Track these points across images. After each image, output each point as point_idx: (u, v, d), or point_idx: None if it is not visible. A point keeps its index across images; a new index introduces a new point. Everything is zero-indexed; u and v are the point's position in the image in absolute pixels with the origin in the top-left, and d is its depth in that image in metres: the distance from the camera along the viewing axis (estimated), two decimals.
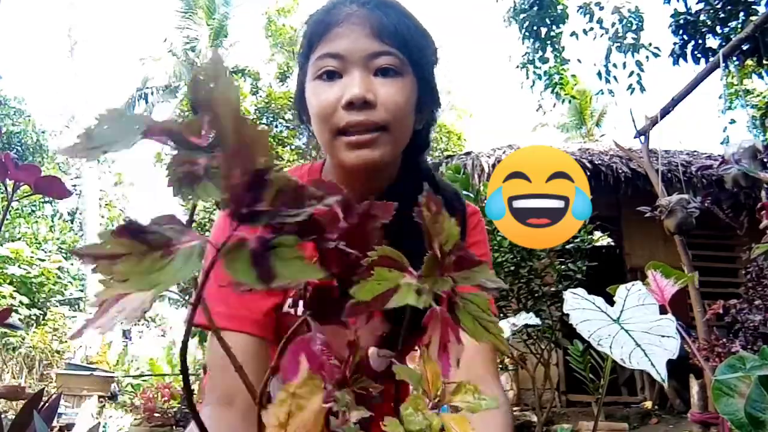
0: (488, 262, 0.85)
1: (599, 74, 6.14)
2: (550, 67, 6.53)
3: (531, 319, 1.33)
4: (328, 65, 0.73)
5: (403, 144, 0.76)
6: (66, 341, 7.96)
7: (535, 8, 6.20)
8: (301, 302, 0.72)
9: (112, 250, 0.28)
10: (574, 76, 6.75)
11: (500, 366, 4.12)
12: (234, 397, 0.69)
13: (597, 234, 3.67)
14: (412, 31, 0.75)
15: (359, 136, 0.71)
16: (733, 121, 6.06)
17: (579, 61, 6.63)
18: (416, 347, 0.88)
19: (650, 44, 5.91)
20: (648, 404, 5.28)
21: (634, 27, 5.97)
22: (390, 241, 0.61)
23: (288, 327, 0.57)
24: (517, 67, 6.78)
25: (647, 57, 5.91)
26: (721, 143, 6.65)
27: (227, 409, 0.68)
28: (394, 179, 0.81)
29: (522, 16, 6.32)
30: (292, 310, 0.77)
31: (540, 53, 6.47)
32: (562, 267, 3.53)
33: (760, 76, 5.78)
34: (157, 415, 4.94)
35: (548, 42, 6.38)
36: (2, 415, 3.83)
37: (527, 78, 6.67)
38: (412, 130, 0.78)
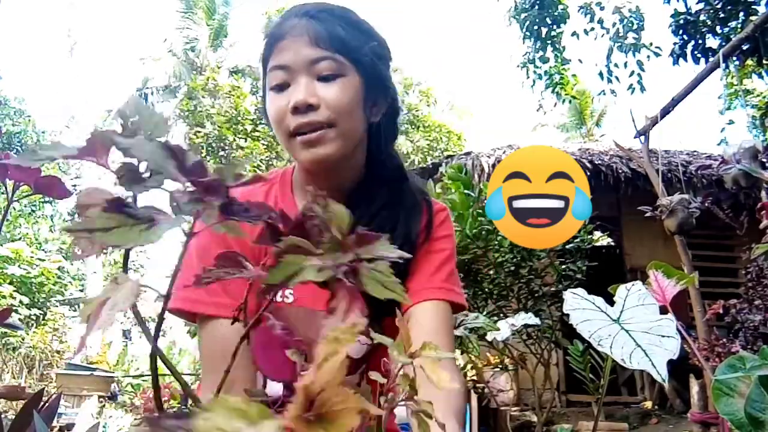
0: (452, 256, 0.84)
1: (601, 74, 6.14)
2: (550, 67, 6.53)
3: (530, 319, 1.33)
4: (277, 77, 0.80)
5: (354, 137, 0.82)
6: (66, 341, 7.96)
7: (536, 8, 6.20)
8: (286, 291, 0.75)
9: (104, 224, 0.30)
10: (574, 75, 6.75)
11: (500, 366, 4.12)
12: (233, 385, 0.70)
13: (597, 234, 3.67)
14: (348, 33, 0.81)
15: (307, 136, 0.78)
16: (731, 122, 6.05)
17: (580, 61, 6.63)
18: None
19: (651, 44, 5.92)
20: (648, 404, 5.28)
21: (635, 27, 5.97)
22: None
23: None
24: (518, 66, 6.78)
25: (648, 57, 5.92)
26: (718, 144, 6.66)
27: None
28: (362, 173, 0.87)
29: (523, 15, 6.32)
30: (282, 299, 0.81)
31: (540, 53, 6.47)
32: (562, 267, 3.53)
33: (760, 76, 5.78)
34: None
35: (549, 42, 6.38)
36: (2, 415, 3.83)
37: (527, 78, 6.68)
38: (364, 124, 0.83)
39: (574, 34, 6.36)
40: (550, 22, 6.29)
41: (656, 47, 5.89)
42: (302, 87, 0.77)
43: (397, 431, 0.95)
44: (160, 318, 0.36)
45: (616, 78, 6.11)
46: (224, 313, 0.74)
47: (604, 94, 6.50)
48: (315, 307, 0.81)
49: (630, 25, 5.98)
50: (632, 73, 5.93)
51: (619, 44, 5.97)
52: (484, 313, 3.28)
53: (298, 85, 0.78)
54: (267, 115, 0.84)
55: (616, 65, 6.07)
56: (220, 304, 0.75)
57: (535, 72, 6.60)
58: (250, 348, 0.77)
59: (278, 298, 0.81)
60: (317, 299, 0.80)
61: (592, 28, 6.21)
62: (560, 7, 6.25)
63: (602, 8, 6.18)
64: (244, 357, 0.71)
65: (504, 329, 1.27)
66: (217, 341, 0.74)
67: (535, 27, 6.32)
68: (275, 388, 0.82)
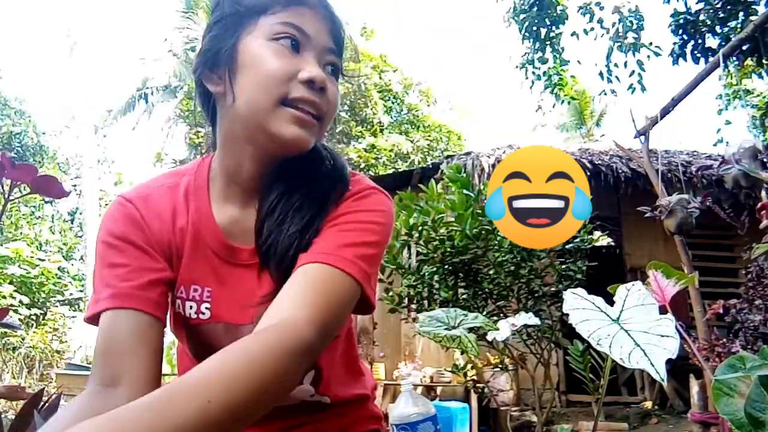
0: (357, 230, 0.72)
1: (600, 74, 6.14)
2: (549, 68, 6.53)
3: (531, 319, 1.32)
4: (294, 34, 0.71)
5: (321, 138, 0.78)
6: (66, 341, 7.96)
7: (535, 9, 6.20)
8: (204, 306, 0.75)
9: None
10: (573, 76, 6.75)
11: (500, 366, 4.12)
12: (120, 378, 0.65)
13: (597, 234, 3.66)
14: (343, 42, 0.79)
15: (306, 115, 0.71)
16: (728, 122, 6.06)
17: (579, 62, 6.63)
18: None
19: (650, 43, 5.91)
20: (648, 404, 5.28)
21: (634, 26, 5.97)
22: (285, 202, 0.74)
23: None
24: (517, 67, 6.79)
25: (648, 56, 5.91)
26: (715, 144, 6.65)
27: (111, 390, 0.64)
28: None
29: (522, 16, 6.32)
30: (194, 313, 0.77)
31: (540, 54, 6.47)
32: (562, 267, 3.53)
33: (760, 76, 5.78)
34: None
35: (548, 42, 6.38)
36: (2, 415, 3.83)
37: (526, 78, 6.68)
38: None
39: (573, 34, 6.36)
40: (549, 22, 6.29)
41: (656, 47, 5.89)
42: (320, 67, 0.72)
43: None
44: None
45: (616, 78, 6.11)
46: (128, 304, 0.69)
47: (605, 94, 6.50)
48: (234, 321, 0.75)
49: (629, 24, 5.98)
50: (632, 72, 5.93)
51: (619, 44, 5.97)
52: (484, 313, 3.28)
53: (315, 63, 0.72)
54: (224, 59, 0.72)
55: (615, 65, 6.07)
56: (120, 294, 0.69)
57: (534, 73, 6.60)
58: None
59: (193, 315, 0.76)
60: (236, 313, 0.75)
61: (592, 28, 6.20)
62: (559, 7, 6.25)
63: (602, 8, 6.18)
64: (146, 352, 0.69)
65: (504, 329, 1.27)
66: (115, 332, 0.68)
67: (534, 28, 6.32)
68: None
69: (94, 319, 0.70)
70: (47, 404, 1.05)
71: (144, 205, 0.75)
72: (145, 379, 0.67)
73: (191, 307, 0.76)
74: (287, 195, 0.75)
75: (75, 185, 13.48)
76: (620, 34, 5.98)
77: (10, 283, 9.09)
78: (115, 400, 0.60)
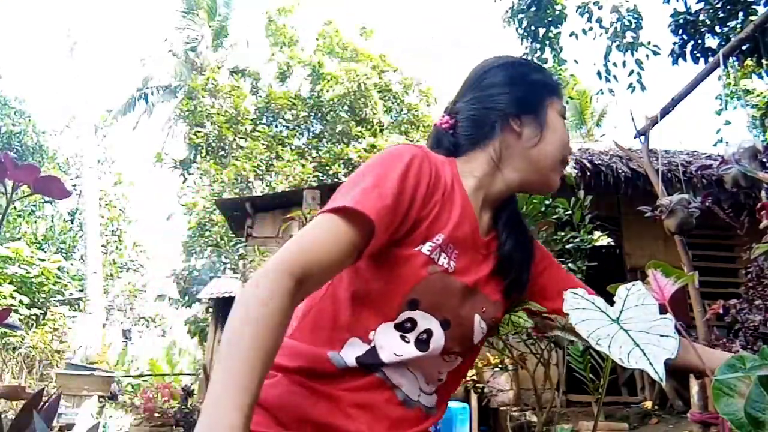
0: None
1: (599, 74, 6.15)
2: (548, 68, 6.54)
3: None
4: (563, 115, 1.00)
5: None
6: (66, 341, 7.96)
7: (533, 9, 6.21)
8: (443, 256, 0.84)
9: None
10: (573, 76, 6.76)
11: (500, 366, 4.12)
12: (307, 279, 0.70)
13: (597, 234, 3.66)
14: None
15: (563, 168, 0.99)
16: (727, 122, 6.06)
17: (576, 62, 6.64)
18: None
19: (649, 42, 5.92)
20: (648, 404, 5.28)
21: (633, 26, 5.97)
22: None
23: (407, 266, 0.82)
24: None
25: (647, 56, 5.92)
26: (714, 145, 6.66)
27: (297, 289, 0.69)
28: None
29: (520, 16, 6.32)
30: (428, 252, 0.83)
31: (538, 53, 6.47)
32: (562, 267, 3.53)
33: (760, 76, 5.78)
34: (157, 415, 4.95)
35: (546, 42, 6.39)
36: (2, 415, 3.83)
37: None
38: None
39: (572, 34, 6.37)
40: (547, 22, 6.29)
41: (654, 46, 5.90)
42: None
43: None
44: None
45: (614, 77, 6.12)
46: (370, 213, 0.74)
47: (602, 93, 6.51)
48: (466, 281, 0.87)
49: (628, 24, 5.98)
50: (631, 72, 5.93)
51: (617, 43, 5.97)
52: None
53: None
54: (534, 109, 0.96)
55: (614, 64, 6.08)
56: (372, 207, 0.75)
57: None
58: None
59: (444, 264, 0.85)
60: (471, 273, 0.89)
61: (591, 28, 6.21)
62: (557, 7, 6.26)
63: (600, 8, 6.19)
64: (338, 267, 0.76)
65: None
66: (329, 242, 0.74)
67: (533, 27, 6.33)
68: (406, 349, 0.83)
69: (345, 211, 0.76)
70: (47, 404, 1.05)
71: (429, 161, 0.87)
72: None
73: (429, 249, 0.84)
74: (515, 214, 1.00)
75: (75, 185, 13.48)
76: (618, 33, 5.98)
77: (10, 283, 9.10)
78: (293, 303, 0.70)
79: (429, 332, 0.85)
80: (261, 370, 0.62)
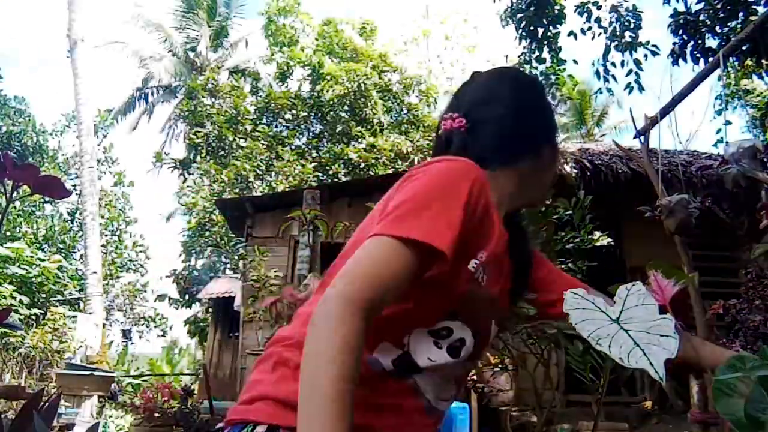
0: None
1: (597, 73, 6.15)
2: (546, 68, 6.53)
3: None
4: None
5: None
6: (66, 341, 7.96)
7: (532, 8, 6.20)
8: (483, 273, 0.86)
9: None
10: (571, 76, 6.76)
11: (500, 366, 4.12)
12: (375, 314, 0.71)
13: (597, 234, 3.66)
14: None
15: None
16: (728, 122, 6.06)
17: (575, 62, 6.64)
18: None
19: (648, 42, 5.91)
20: (648, 404, 5.28)
21: (631, 26, 5.97)
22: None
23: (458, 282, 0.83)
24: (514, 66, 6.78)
25: (645, 56, 5.92)
26: (714, 145, 6.66)
27: (368, 325, 0.70)
28: None
29: (519, 16, 6.32)
30: (472, 268, 0.85)
31: (537, 53, 6.47)
32: (562, 267, 3.53)
33: (760, 76, 5.78)
34: (157, 415, 4.94)
35: (545, 42, 6.38)
36: (2, 415, 3.83)
37: None
38: None
39: (571, 34, 6.36)
40: (546, 22, 6.29)
41: (653, 45, 5.89)
42: None
43: None
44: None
45: (613, 77, 6.11)
46: (437, 244, 0.75)
47: (601, 92, 6.51)
48: (494, 293, 0.90)
49: (627, 24, 5.98)
50: (630, 72, 5.93)
51: (616, 43, 5.97)
52: None
53: None
54: (540, 136, 1.02)
55: (613, 64, 6.08)
56: (438, 235, 0.76)
57: (531, 73, 6.60)
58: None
59: (482, 278, 0.86)
60: (496, 285, 0.91)
61: (590, 28, 6.21)
62: (556, 7, 6.25)
63: (599, 7, 6.18)
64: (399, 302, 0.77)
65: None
66: (398, 275, 0.74)
67: (531, 27, 6.32)
68: (438, 356, 0.84)
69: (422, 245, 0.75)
70: (47, 404, 1.05)
71: (485, 183, 0.88)
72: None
73: (480, 272, 0.86)
74: (522, 228, 1.08)
75: (75, 185, 13.48)
76: (617, 33, 5.98)
77: (10, 283, 9.10)
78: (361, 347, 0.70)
79: (462, 341, 0.86)
80: (350, 410, 0.64)
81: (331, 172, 11.56)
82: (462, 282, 0.83)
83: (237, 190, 11.08)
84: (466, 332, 0.86)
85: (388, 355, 0.82)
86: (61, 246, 14.98)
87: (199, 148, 12.52)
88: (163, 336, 15.74)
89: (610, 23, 6.08)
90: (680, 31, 5.21)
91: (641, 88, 5.88)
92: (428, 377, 0.85)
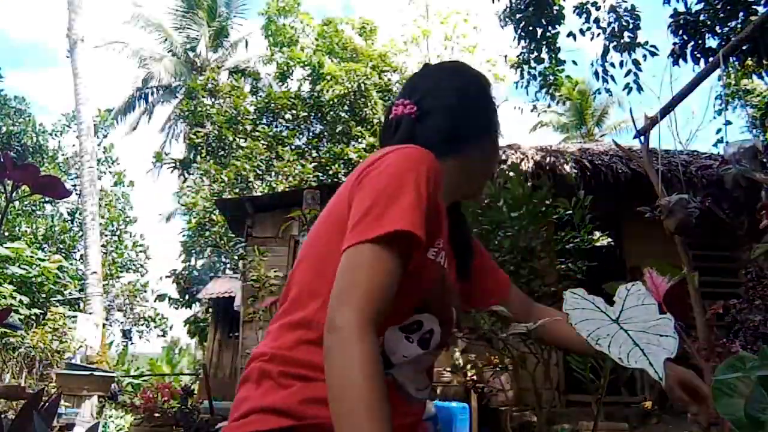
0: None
1: (596, 74, 6.14)
2: (545, 68, 6.53)
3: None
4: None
5: None
6: (66, 341, 7.96)
7: (531, 9, 6.20)
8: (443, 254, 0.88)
9: None
10: (569, 77, 6.76)
11: (500, 366, 4.12)
12: (381, 319, 0.73)
13: (597, 234, 3.67)
14: None
15: None
16: (728, 122, 6.05)
17: (574, 62, 6.64)
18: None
19: (646, 42, 5.91)
20: (648, 404, 5.28)
21: (630, 26, 5.97)
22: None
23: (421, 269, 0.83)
24: (512, 67, 6.79)
25: (645, 56, 5.91)
26: (714, 145, 6.66)
27: (377, 340, 0.71)
28: None
29: (518, 16, 6.31)
30: (439, 260, 0.87)
31: (535, 54, 6.47)
32: (562, 267, 3.54)
33: (760, 76, 5.78)
34: (157, 415, 4.94)
35: (544, 42, 6.38)
36: (2, 415, 3.83)
37: (522, 78, 6.68)
38: None
39: (570, 34, 6.36)
40: (545, 22, 6.29)
41: (652, 46, 5.89)
42: None
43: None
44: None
45: (612, 77, 6.11)
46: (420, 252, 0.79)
47: (600, 93, 6.50)
48: (452, 278, 0.94)
49: (626, 24, 5.98)
50: (629, 72, 5.92)
51: (615, 44, 5.97)
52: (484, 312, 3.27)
53: None
54: (479, 126, 1.03)
55: (612, 65, 6.07)
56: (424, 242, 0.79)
57: (530, 72, 6.60)
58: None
59: (445, 265, 0.89)
60: (451, 270, 0.94)
61: (588, 28, 6.20)
62: (555, 8, 6.25)
63: (598, 8, 6.18)
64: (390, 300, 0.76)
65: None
66: (392, 274, 0.75)
67: (530, 27, 6.32)
68: (411, 350, 0.86)
69: (402, 235, 0.76)
70: (47, 404, 1.05)
71: (438, 169, 0.88)
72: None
73: (441, 257, 0.88)
74: (462, 217, 1.10)
75: (75, 185, 13.48)
76: (616, 33, 5.98)
77: (10, 283, 9.10)
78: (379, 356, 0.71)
79: (431, 332, 0.88)
80: (387, 412, 0.66)
81: (331, 172, 11.56)
82: (429, 272, 0.85)
83: (237, 190, 11.07)
84: (434, 322, 0.89)
85: None
86: (61, 246, 14.97)
87: (199, 148, 12.51)
88: (163, 336, 15.73)
89: (609, 24, 6.08)
90: (680, 31, 5.21)
91: (640, 89, 5.87)
92: (404, 370, 0.87)
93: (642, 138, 4.08)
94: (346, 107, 12.64)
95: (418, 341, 0.87)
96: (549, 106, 7.08)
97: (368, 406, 0.64)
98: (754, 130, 10.14)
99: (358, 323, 0.69)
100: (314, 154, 12.42)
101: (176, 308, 12.79)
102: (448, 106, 0.99)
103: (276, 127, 13.17)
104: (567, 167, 5.68)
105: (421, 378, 0.91)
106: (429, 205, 0.81)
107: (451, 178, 0.96)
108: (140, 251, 16.30)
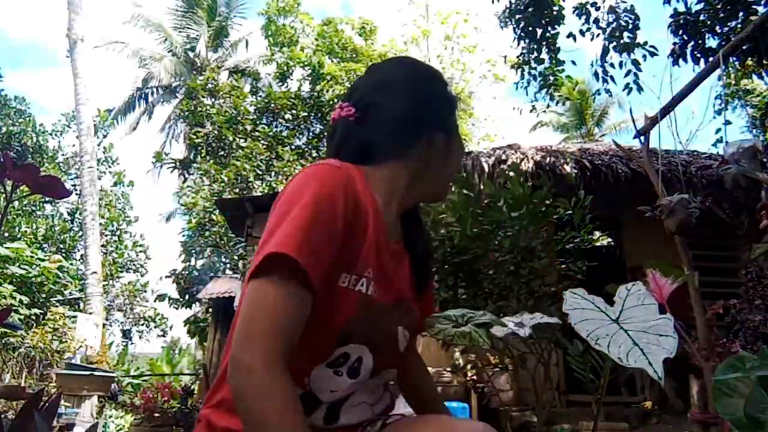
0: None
1: (596, 74, 6.14)
2: (545, 68, 6.53)
3: (542, 318, 1.32)
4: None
5: None
6: (66, 341, 7.96)
7: (530, 9, 6.19)
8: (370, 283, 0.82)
9: None
10: (569, 77, 6.75)
11: (500, 366, 4.12)
12: (290, 354, 0.70)
13: (597, 234, 3.66)
14: None
15: None
16: (728, 122, 6.06)
17: (574, 63, 6.64)
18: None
19: (646, 43, 5.91)
20: (648, 404, 5.28)
21: (629, 26, 5.97)
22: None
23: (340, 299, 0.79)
24: (512, 67, 6.79)
25: (644, 56, 5.91)
26: (714, 145, 6.66)
27: (287, 376, 0.69)
28: None
29: (517, 16, 6.31)
30: (361, 288, 0.81)
31: (535, 54, 6.46)
32: (562, 267, 3.53)
33: (760, 76, 5.78)
34: (157, 415, 4.94)
35: (544, 43, 6.38)
36: (2, 415, 3.83)
37: (522, 78, 6.68)
38: None
39: (570, 35, 6.36)
40: (544, 23, 6.28)
41: (651, 46, 5.89)
42: None
43: None
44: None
45: (611, 78, 6.11)
46: (314, 276, 0.72)
47: (599, 93, 6.50)
48: (389, 299, 0.87)
49: (625, 24, 5.97)
50: (628, 72, 5.92)
51: (614, 44, 5.97)
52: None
53: None
54: (438, 122, 0.96)
55: (611, 65, 6.07)
56: (318, 265, 0.73)
57: (529, 73, 6.60)
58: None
59: (372, 293, 0.82)
60: (392, 290, 0.88)
61: (588, 29, 6.20)
62: (555, 8, 6.25)
63: (597, 8, 6.18)
64: (298, 331, 0.72)
65: (501, 332, 1.28)
66: (294, 305, 0.72)
67: (530, 28, 6.31)
68: (341, 383, 0.83)
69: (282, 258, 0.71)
70: (47, 404, 1.05)
71: (353, 189, 0.81)
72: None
73: (363, 284, 0.81)
74: (420, 221, 1.03)
75: (75, 185, 13.48)
76: (615, 34, 5.97)
77: (10, 283, 9.09)
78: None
79: (360, 360, 0.84)
80: None
81: None
82: (348, 304, 0.79)
83: (237, 190, 11.07)
84: (362, 350, 0.84)
85: None
86: (61, 246, 14.97)
87: (199, 148, 12.51)
88: (163, 336, 15.72)
89: (608, 24, 6.07)
90: (680, 31, 5.21)
91: (640, 89, 5.87)
92: (356, 396, 0.86)
93: (642, 138, 4.08)
94: None
95: (347, 373, 0.83)
96: (548, 106, 7.08)
97: None
98: (754, 130, 10.13)
99: (262, 369, 0.66)
100: (314, 154, 12.42)
101: (176, 308, 12.78)
102: (388, 103, 0.92)
103: (276, 127, 13.16)
104: (567, 167, 5.68)
105: (378, 393, 0.91)
106: (334, 229, 0.75)
107: (397, 182, 0.90)
108: (140, 251, 16.30)
